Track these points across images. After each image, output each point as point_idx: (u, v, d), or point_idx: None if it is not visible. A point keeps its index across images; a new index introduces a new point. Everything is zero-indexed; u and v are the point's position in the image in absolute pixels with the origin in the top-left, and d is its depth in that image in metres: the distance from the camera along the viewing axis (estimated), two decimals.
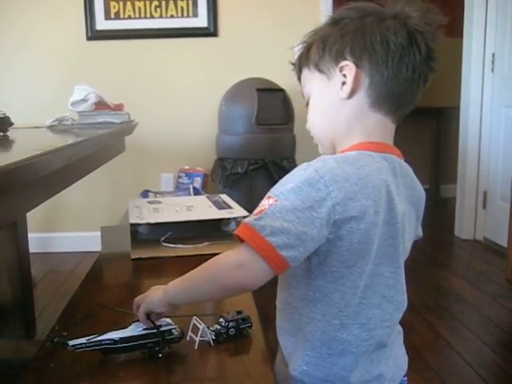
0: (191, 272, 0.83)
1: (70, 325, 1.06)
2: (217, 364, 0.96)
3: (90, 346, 0.90)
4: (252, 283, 0.77)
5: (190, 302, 0.93)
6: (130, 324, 0.94)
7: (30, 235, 2.01)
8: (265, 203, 0.75)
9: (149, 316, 0.91)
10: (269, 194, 0.76)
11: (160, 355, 0.93)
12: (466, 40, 3.48)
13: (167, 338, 0.94)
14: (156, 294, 0.90)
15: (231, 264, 0.77)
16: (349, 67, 0.82)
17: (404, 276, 0.86)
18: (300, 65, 0.91)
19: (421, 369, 1.87)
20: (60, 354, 0.94)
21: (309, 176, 0.74)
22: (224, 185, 2.86)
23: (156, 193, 2.39)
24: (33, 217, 1.98)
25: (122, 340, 0.91)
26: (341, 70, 0.83)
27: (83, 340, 0.90)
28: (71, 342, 0.89)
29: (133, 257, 1.48)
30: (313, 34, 0.89)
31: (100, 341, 0.90)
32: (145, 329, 0.92)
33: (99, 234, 1.71)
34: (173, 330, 0.95)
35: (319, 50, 0.85)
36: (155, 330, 0.92)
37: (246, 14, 3.26)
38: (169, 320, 0.95)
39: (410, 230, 0.87)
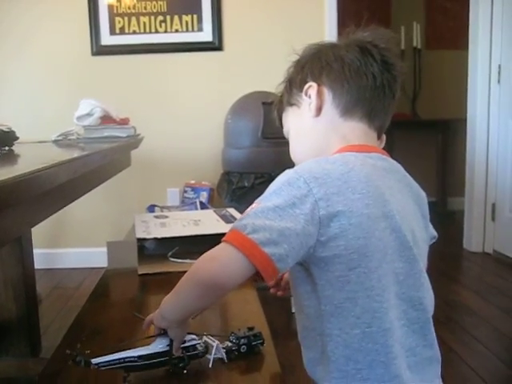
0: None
1: (77, 342, 1.03)
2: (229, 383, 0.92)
3: (113, 364, 0.87)
4: (225, 275, 0.73)
5: (178, 314, 0.85)
6: (154, 339, 0.91)
7: (34, 251, 1.98)
8: (248, 209, 0.76)
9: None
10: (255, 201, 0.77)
11: (185, 371, 0.90)
12: (471, 52, 3.47)
13: (191, 353, 0.91)
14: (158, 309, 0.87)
15: (206, 258, 0.75)
16: (311, 87, 0.88)
17: (423, 273, 0.82)
18: (278, 114, 0.98)
19: None
20: (67, 373, 0.91)
21: (288, 177, 0.76)
22: (230, 199, 2.83)
23: (162, 207, 2.37)
24: (37, 232, 1.95)
25: (146, 357, 0.88)
26: (306, 93, 0.89)
27: (107, 358, 0.86)
28: (94, 361, 0.86)
29: (140, 272, 1.46)
30: (282, 83, 0.97)
31: (123, 358, 0.87)
32: (168, 344, 0.89)
33: (105, 249, 1.68)
34: (197, 346, 0.93)
35: (287, 89, 0.94)
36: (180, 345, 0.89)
37: (250, 28, 3.26)
38: (193, 335, 0.93)
39: (420, 229, 0.84)
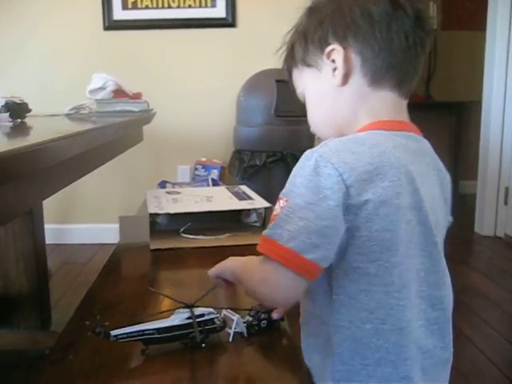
0: (246, 262, 0.81)
1: (89, 315, 1.02)
2: (249, 358, 0.92)
3: (132, 336, 0.86)
4: (282, 298, 0.73)
5: None
6: (172, 313, 0.91)
7: (45, 226, 1.98)
8: (277, 207, 0.70)
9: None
10: (280, 195, 0.70)
11: (203, 345, 0.89)
12: (489, 33, 3.40)
13: (209, 327, 0.91)
14: (229, 263, 0.89)
15: (257, 279, 0.73)
16: (336, 50, 0.77)
17: (446, 271, 0.77)
18: (288, 67, 0.87)
19: None
20: (79, 347, 0.91)
21: (315, 164, 0.68)
22: (241, 177, 2.81)
23: (174, 184, 2.36)
24: (47, 208, 1.95)
25: (165, 329, 0.88)
26: (328, 56, 0.78)
27: (126, 330, 0.86)
28: (113, 333, 0.85)
29: (152, 247, 1.45)
30: (292, 31, 0.85)
31: (142, 331, 0.87)
32: (187, 318, 0.89)
33: (114, 225, 1.68)
34: (215, 320, 0.92)
35: (301, 44, 0.82)
36: (197, 320, 0.89)
37: (264, 5, 3.21)
38: (211, 309, 0.93)
39: (442, 216, 0.78)
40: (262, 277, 0.71)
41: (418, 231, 0.72)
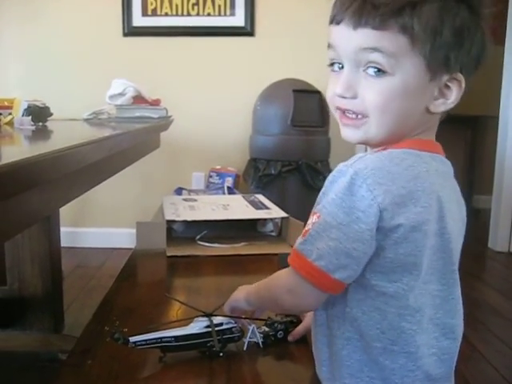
0: (263, 281, 0.82)
1: (107, 321, 1.03)
2: (263, 368, 0.93)
3: (150, 344, 0.87)
4: (305, 306, 0.77)
5: (264, 306, 0.91)
6: (191, 321, 0.92)
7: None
8: (309, 222, 0.69)
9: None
10: (313, 209, 0.69)
11: (221, 354, 0.90)
12: (508, 47, 3.38)
13: (228, 336, 0.92)
14: (240, 293, 0.89)
15: (283, 288, 0.74)
16: (458, 83, 0.69)
17: (458, 298, 0.75)
18: (385, 15, 0.66)
19: (457, 382, 1.79)
20: (97, 351, 0.91)
21: (349, 182, 0.65)
22: (256, 186, 2.81)
23: (190, 191, 2.37)
24: (62, 210, 1.96)
25: (184, 338, 0.88)
26: (449, 80, 0.69)
27: (144, 337, 0.86)
28: (132, 339, 0.86)
29: (168, 254, 1.46)
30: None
31: (161, 338, 0.87)
32: (206, 327, 0.90)
33: (128, 230, 1.69)
34: (233, 329, 0.92)
35: (434, 35, 0.66)
36: (216, 329, 0.90)
37: (283, 14, 3.22)
38: (229, 318, 0.93)
39: (460, 240, 0.77)
40: (289, 287, 0.73)
41: (438, 257, 0.70)
